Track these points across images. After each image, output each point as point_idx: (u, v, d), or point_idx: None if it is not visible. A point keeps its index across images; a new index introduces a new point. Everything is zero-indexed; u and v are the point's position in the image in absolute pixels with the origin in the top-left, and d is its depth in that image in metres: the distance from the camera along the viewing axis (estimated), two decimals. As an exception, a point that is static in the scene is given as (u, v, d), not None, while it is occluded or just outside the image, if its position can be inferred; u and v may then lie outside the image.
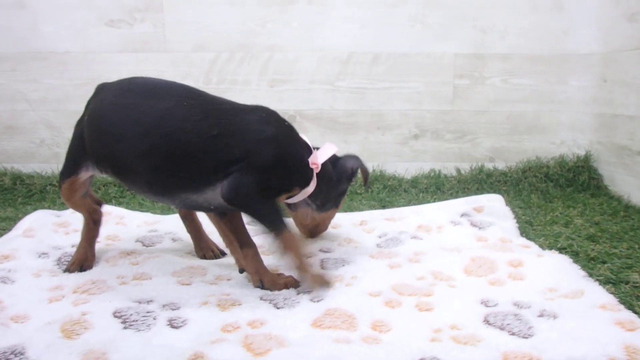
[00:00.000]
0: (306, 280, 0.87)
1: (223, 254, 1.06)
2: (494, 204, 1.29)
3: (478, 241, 1.09)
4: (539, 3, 1.64)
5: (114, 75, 1.73)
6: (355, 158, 1.10)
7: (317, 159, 0.97)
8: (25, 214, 1.40)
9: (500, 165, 1.77)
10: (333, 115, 1.71)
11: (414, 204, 1.50)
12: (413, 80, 1.69)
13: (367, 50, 1.65)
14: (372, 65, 1.67)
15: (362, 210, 1.48)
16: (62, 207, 1.47)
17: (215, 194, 0.89)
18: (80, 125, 1.03)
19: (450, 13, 1.63)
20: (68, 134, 1.77)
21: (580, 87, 1.70)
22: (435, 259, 0.97)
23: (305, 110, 1.71)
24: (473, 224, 1.20)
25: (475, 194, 1.68)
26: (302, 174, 0.96)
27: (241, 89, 1.69)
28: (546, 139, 1.76)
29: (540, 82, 1.71)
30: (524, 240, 1.09)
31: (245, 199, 0.88)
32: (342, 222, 1.27)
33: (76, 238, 1.10)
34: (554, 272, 0.88)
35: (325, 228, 1.16)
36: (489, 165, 1.77)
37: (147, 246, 1.13)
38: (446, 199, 1.61)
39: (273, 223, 0.88)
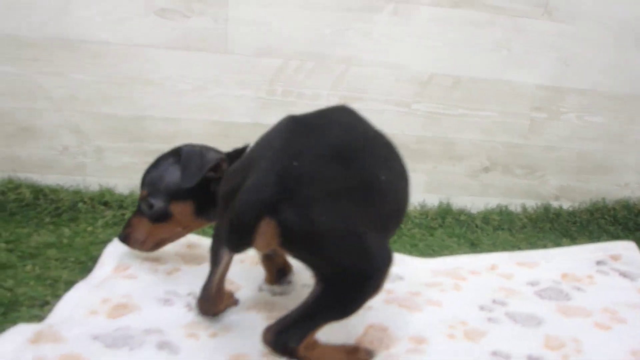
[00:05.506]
0: None
1: None
2: (630, 252, 1.19)
3: (649, 296, 0.95)
4: (623, 39, 1.54)
5: (158, 75, 1.50)
6: None
7: None
8: (63, 237, 1.17)
9: (565, 205, 1.67)
10: (404, 141, 1.53)
11: (503, 244, 1.39)
12: (489, 109, 1.54)
13: (448, 72, 1.49)
14: (451, 89, 1.50)
15: (446, 245, 1.38)
16: (112, 229, 1.22)
17: None
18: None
19: (536, 40, 1.50)
20: (98, 141, 1.50)
21: (651, 129, 1.62)
22: None
23: (373, 132, 1.57)
24: (623, 275, 1.09)
25: (548, 234, 1.62)
26: None
27: (308, 103, 1.48)
28: (610, 180, 1.67)
29: (612, 122, 1.61)
30: None
31: None
32: (473, 266, 1.13)
33: (183, 279, 0.93)
34: None
35: None
36: (554, 204, 1.69)
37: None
38: (525, 239, 1.49)
39: None
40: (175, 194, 0.89)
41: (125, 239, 0.95)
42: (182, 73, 1.41)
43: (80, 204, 1.28)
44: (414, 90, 1.51)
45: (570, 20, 1.53)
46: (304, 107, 1.48)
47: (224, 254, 0.75)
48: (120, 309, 0.79)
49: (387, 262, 0.67)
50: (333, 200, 0.63)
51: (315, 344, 0.71)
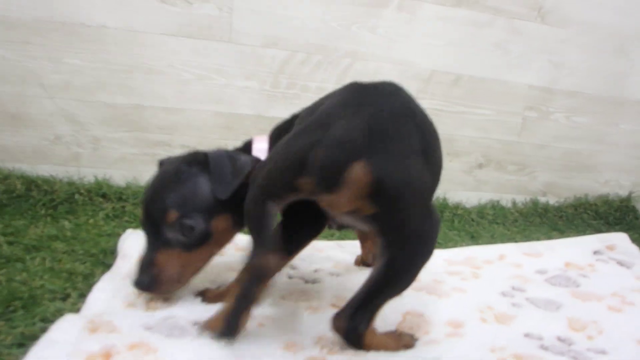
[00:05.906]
0: None
1: None
2: (624, 243, 1.26)
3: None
4: (607, 45, 1.63)
5: (159, 63, 1.45)
6: None
7: None
8: (65, 230, 1.10)
9: (551, 200, 1.73)
10: (404, 136, 1.60)
11: (500, 237, 1.44)
12: (486, 107, 1.58)
13: (450, 70, 1.52)
14: (452, 87, 1.53)
15: (450, 238, 1.38)
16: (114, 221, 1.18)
17: None
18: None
19: (531, 42, 1.55)
20: (94, 130, 1.43)
21: (630, 131, 1.73)
22: None
23: (375, 127, 1.57)
24: (620, 263, 1.16)
25: (539, 228, 1.69)
26: None
27: (312, 97, 1.49)
28: (592, 178, 1.75)
29: (595, 123, 1.69)
30: None
31: None
32: (485, 256, 1.17)
33: (211, 272, 0.88)
34: None
35: None
36: (542, 199, 1.74)
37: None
38: (518, 232, 1.56)
39: None
40: (214, 209, 0.75)
41: (152, 284, 0.74)
42: (184, 61, 1.36)
43: (76, 196, 1.21)
44: (417, 87, 1.54)
45: (561, 25, 1.60)
46: (308, 100, 1.45)
47: (272, 207, 0.65)
48: (159, 301, 0.75)
49: (439, 225, 0.70)
50: (416, 158, 0.62)
51: (375, 333, 0.71)
